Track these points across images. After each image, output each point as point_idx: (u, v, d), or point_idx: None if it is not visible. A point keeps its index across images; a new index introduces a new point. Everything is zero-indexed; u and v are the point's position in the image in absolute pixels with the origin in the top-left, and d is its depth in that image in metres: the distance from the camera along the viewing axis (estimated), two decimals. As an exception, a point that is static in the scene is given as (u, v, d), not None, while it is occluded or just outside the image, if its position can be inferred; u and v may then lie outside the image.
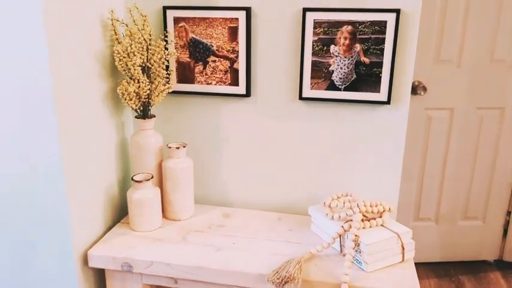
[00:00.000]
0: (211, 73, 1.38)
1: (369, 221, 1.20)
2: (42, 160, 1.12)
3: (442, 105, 2.20)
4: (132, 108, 1.33)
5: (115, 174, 1.39)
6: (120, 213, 1.42)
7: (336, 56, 1.29)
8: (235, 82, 1.38)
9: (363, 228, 1.18)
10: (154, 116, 1.37)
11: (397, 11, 1.21)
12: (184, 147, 1.36)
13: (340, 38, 1.27)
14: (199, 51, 1.37)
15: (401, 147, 1.35)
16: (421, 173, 2.28)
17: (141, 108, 1.34)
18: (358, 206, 1.21)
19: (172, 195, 1.37)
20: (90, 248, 1.23)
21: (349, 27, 1.25)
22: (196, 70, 1.39)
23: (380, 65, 1.26)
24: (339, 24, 1.26)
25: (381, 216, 1.23)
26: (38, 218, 1.17)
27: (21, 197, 1.16)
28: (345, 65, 1.29)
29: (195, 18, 1.34)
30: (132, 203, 1.30)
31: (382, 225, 1.21)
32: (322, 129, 1.38)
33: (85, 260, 1.23)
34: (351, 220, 1.19)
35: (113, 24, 1.26)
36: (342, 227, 1.19)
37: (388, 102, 1.29)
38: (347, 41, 1.27)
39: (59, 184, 1.13)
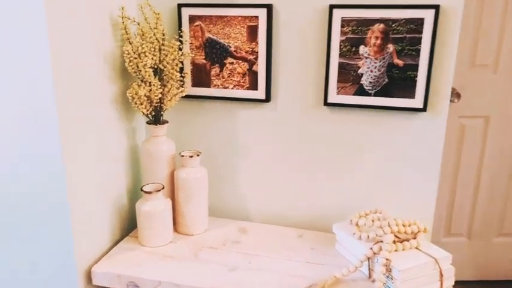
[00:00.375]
0: (229, 76, 1.28)
1: (401, 242, 1.07)
2: (42, 166, 1.03)
3: (476, 113, 2.04)
4: (143, 113, 1.23)
5: (124, 183, 1.29)
6: (129, 225, 1.33)
7: (366, 58, 1.16)
8: (254, 86, 1.27)
9: (395, 251, 1.05)
10: (167, 122, 1.27)
11: (436, 7, 1.08)
12: (198, 155, 1.26)
13: (370, 37, 1.15)
14: (216, 52, 1.27)
15: (438, 159, 1.21)
16: (453, 185, 2.13)
17: (153, 113, 1.24)
18: (389, 226, 1.08)
19: (185, 207, 1.27)
20: (95, 265, 1.14)
21: (381, 26, 1.13)
22: (213, 73, 1.29)
23: (415, 67, 1.13)
24: (370, 22, 1.13)
25: (415, 238, 1.10)
26: (37, 231, 1.08)
27: (19, 207, 1.07)
28: (375, 68, 1.16)
29: (211, 16, 1.24)
30: (141, 215, 1.20)
31: (416, 248, 1.08)
32: (349, 138, 1.25)
33: (89, 277, 1.13)
34: (381, 241, 1.06)
35: (123, 23, 1.17)
36: (371, 248, 1.06)
37: (424, 109, 1.15)
38: (378, 41, 1.14)
39: (60, 193, 1.04)
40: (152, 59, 1.18)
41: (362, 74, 1.18)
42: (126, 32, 1.18)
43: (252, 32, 1.23)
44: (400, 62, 1.14)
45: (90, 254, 1.15)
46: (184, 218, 1.28)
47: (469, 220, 2.19)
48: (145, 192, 1.19)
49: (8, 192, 1.07)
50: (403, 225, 1.10)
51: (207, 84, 1.30)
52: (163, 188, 1.22)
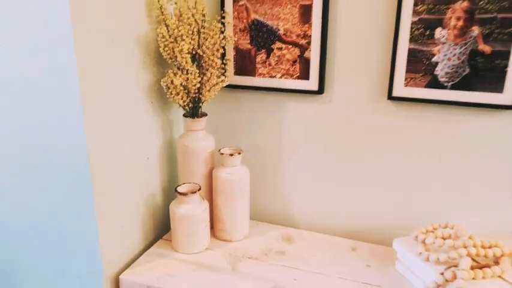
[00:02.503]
0: (276, 63, 1.12)
1: (481, 269, 0.88)
2: (63, 164, 0.92)
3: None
4: (179, 105, 1.10)
5: (159, 181, 1.18)
6: (164, 226, 1.21)
7: (443, 43, 0.96)
8: (305, 75, 1.10)
9: (473, 279, 0.86)
10: (206, 115, 1.13)
11: (540, -20, 0.86)
12: (239, 154, 1.11)
13: (450, 18, 0.94)
14: (263, 36, 1.11)
15: (528, 168, 1.00)
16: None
17: (190, 105, 1.11)
18: (465, 247, 0.89)
19: (224, 211, 1.13)
20: (123, 272, 1.03)
21: (465, 3, 0.92)
22: (258, 59, 1.13)
23: (506, 55, 0.92)
24: (450, -1, 0.93)
25: (497, 263, 0.90)
26: (61, 235, 0.98)
27: (43, 207, 0.97)
28: (454, 55, 0.96)
29: (258, -6, 1.08)
30: (175, 219, 1.08)
31: (500, 276, 0.88)
32: (418, 139, 1.06)
33: (116, 285, 1.03)
34: (455, 266, 0.88)
35: (158, 2, 1.03)
36: (442, 274, 0.88)
37: (515, 106, 0.94)
38: (460, 23, 0.94)
39: (85, 194, 0.93)
40: (190, 43, 1.04)
41: (437, 63, 0.98)
42: (162, 12, 1.04)
43: (305, 12, 1.05)
44: (486, 49, 0.93)
45: (119, 259, 1.04)
46: (222, 222, 1.14)
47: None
48: (180, 193, 1.07)
49: (32, 192, 0.98)
50: (483, 247, 0.91)
51: (251, 72, 1.15)
52: (199, 189, 1.09)
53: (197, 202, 1.08)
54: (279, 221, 1.26)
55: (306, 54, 1.09)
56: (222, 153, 1.12)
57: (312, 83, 1.10)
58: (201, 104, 1.12)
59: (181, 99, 1.08)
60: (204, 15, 1.06)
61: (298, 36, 1.08)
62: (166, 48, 1.04)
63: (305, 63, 1.09)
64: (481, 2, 0.91)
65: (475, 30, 0.93)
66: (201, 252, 1.10)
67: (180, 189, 1.08)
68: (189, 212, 1.07)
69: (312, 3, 1.04)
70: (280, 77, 1.13)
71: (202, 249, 1.11)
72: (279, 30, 1.09)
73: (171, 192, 1.22)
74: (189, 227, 1.08)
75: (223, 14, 1.11)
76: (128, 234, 1.07)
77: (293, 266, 1.05)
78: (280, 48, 1.11)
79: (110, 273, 1.01)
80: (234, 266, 1.05)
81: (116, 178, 1.01)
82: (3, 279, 1.08)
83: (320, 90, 1.10)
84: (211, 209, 1.15)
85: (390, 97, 1.04)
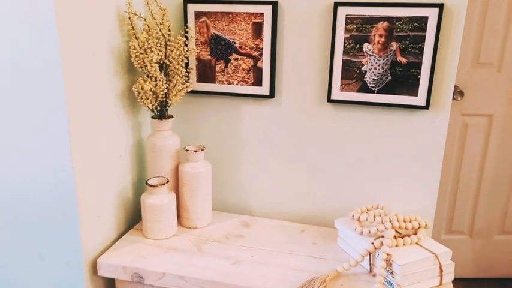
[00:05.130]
0: (233, 72, 1.29)
1: (402, 238, 1.08)
2: (50, 160, 1.05)
3: (480, 111, 2.05)
4: (149, 108, 1.25)
5: (130, 177, 1.31)
6: (134, 218, 1.35)
7: (370, 55, 1.17)
8: (258, 82, 1.28)
9: (396, 246, 1.07)
10: (172, 117, 1.29)
11: (440, 6, 1.09)
12: (202, 150, 1.27)
13: (374, 35, 1.16)
14: (221, 49, 1.28)
15: (439, 156, 1.22)
16: (455, 183, 2.14)
17: (158, 108, 1.26)
18: (390, 221, 1.09)
19: (189, 201, 1.29)
20: (100, 256, 1.16)
21: (385, 24, 1.14)
22: (218, 69, 1.30)
23: (419, 65, 1.14)
24: (374, 20, 1.14)
25: (416, 233, 1.11)
26: (46, 223, 1.10)
27: (28, 200, 1.09)
28: (379, 65, 1.17)
29: (217, 12, 1.25)
30: (145, 208, 1.22)
31: (417, 243, 1.09)
32: (353, 134, 1.27)
33: (94, 269, 1.15)
34: (382, 236, 1.08)
35: (130, 18, 1.18)
36: (372, 243, 1.07)
37: (426, 107, 1.17)
38: (382, 39, 1.15)
39: (68, 186, 1.06)
40: (158, 54, 1.19)
41: (365, 72, 1.19)
42: (133, 27, 1.19)
43: (257, 28, 1.24)
44: (403, 60, 1.15)
45: (96, 245, 1.17)
46: (188, 211, 1.29)
47: (471, 218, 2.20)
48: (150, 185, 1.21)
49: (17, 186, 1.09)
50: (404, 221, 1.11)
51: (212, 80, 1.32)
52: (167, 182, 1.23)
53: (165, 193, 1.23)
54: (238, 210, 1.43)
55: (258, 64, 1.27)
56: (187, 150, 1.27)
57: (264, 89, 1.28)
58: (167, 107, 1.27)
59: (151, 103, 1.23)
60: (170, 30, 1.22)
61: (251, 48, 1.26)
62: (137, 59, 1.19)
63: (258, 71, 1.27)
64: (398, 23, 1.13)
65: (394, 45, 1.15)
66: (170, 238, 1.25)
67: (150, 181, 1.23)
68: (158, 202, 1.21)
69: (262, 21, 1.23)
70: (237, 84, 1.30)
71: (170, 235, 1.25)
72: (235, 43, 1.27)
73: (140, 186, 1.36)
74: (158, 215, 1.22)
75: (187, 29, 1.27)
76: (103, 223, 1.20)
77: (250, 245, 1.22)
78: (236, 59, 1.28)
79: (88, 258, 1.14)
80: (199, 247, 1.21)
81: (93, 173, 1.14)
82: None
83: (271, 95, 1.28)
84: (178, 200, 1.30)
85: (329, 100, 1.24)
